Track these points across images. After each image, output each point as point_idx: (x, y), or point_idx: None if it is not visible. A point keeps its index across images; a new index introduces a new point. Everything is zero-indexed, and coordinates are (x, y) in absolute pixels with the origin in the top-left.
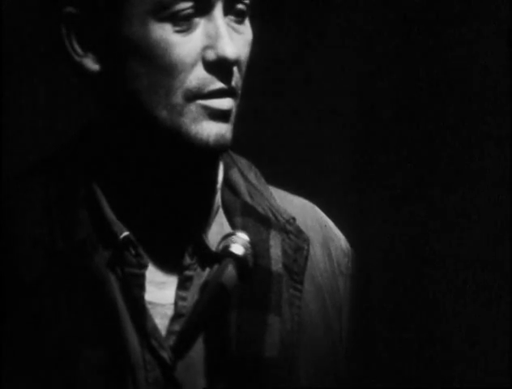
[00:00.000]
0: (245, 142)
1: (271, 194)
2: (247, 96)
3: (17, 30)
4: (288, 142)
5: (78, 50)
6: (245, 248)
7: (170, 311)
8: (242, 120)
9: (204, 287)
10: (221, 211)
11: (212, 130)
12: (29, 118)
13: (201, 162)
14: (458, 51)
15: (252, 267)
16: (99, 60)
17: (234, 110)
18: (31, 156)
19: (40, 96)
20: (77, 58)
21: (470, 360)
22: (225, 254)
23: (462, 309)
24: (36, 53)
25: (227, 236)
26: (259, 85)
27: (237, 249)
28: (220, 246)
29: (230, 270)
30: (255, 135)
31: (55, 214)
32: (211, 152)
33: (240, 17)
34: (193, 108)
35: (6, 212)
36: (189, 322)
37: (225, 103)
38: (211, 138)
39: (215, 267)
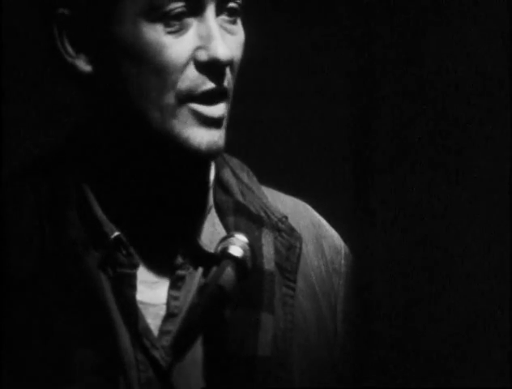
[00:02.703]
0: (240, 143)
1: (263, 192)
2: (242, 98)
3: (17, 30)
4: (286, 144)
5: (70, 51)
6: (244, 250)
7: (162, 311)
8: (238, 121)
9: (202, 288)
10: (213, 210)
11: (204, 138)
12: (29, 118)
13: (192, 164)
14: (457, 52)
15: (250, 268)
16: (91, 61)
17: (227, 113)
18: (31, 156)
19: (39, 96)
20: (69, 59)
21: (469, 359)
22: (224, 255)
23: (462, 309)
24: (35, 52)
25: (225, 238)
26: (256, 86)
27: (236, 251)
28: (219, 248)
29: (228, 272)
30: (252, 136)
31: (46, 215)
32: (203, 158)
33: (232, 17)
34: (184, 111)
35: None
36: (187, 323)
37: (217, 111)
38: (203, 146)
39: (214, 268)
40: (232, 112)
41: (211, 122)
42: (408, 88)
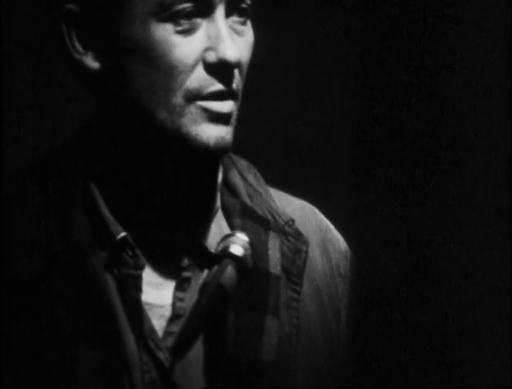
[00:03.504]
0: (245, 143)
1: (270, 195)
2: (248, 98)
3: (17, 29)
4: (288, 144)
5: (79, 48)
6: (245, 249)
7: (168, 312)
8: (243, 121)
9: (203, 288)
10: (220, 212)
11: (212, 133)
12: (29, 118)
13: (201, 164)
14: (458, 52)
15: (251, 267)
16: (99, 58)
17: (235, 113)
18: (31, 156)
19: (40, 96)
20: (77, 56)
21: (470, 359)
22: (224, 254)
23: (464, 311)
24: (36, 51)
25: (226, 236)
26: (259, 86)
27: (237, 249)
28: (220, 247)
29: (229, 271)
30: (255, 137)
31: (53, 214)
32: (212, 155)
33: (242, 18)
34: (193, 109)
35: (4, 212)
36: (188, 323)
37: (225, 106)
38: (212, 141)
39: (215, 267)
40: (240, 111)
41: (219, 118)
42: (409, 88)
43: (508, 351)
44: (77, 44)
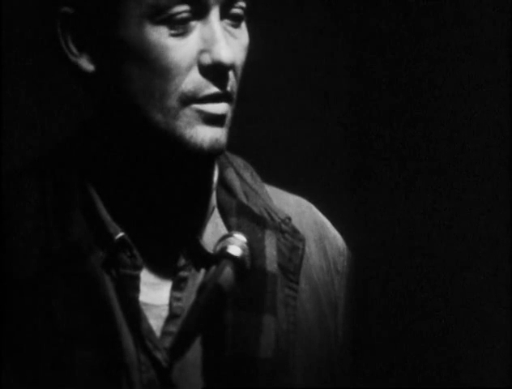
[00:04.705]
0: (242, 142)
1: (267, 193)
2: (243, 98)
3: (17, 30)
4: (286, 143)
5: (74, 50)
6: (243, 249)
7: (165, 312)
8: (239, 120)
9: (201, 288)
10: (216, 211)
11: (207, 135)
12: (29, 118)
13: (195, 164)
14: (456, 53)
15: (249, 268)
16: (94, 61)
17: (229, 114)
18: (30, 156)
19: (39, 96)
20: (72, 58)
21: (469, 359)
22: (222, 255)
23: (461, 309)
24: (35, 51)
25: (224, 237)
26: (256, 86)
27: (235, 250)
28: (218, 248)
29: (227, 271)
30: (252, 136)
31: (51, 214)
32: (206, 156)
33: (236, 21)
34: (187, 112)
35: (2, 212)
36: (186, 323)
37: (220, 108)
38: (206, 143)
39: (213, 268)
40: (234, 112)
41: (213, 119)
42: (407, 89)
43: (508, 351)
44: (72, 47)
